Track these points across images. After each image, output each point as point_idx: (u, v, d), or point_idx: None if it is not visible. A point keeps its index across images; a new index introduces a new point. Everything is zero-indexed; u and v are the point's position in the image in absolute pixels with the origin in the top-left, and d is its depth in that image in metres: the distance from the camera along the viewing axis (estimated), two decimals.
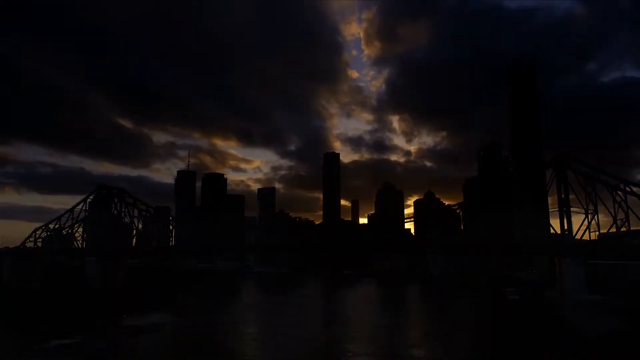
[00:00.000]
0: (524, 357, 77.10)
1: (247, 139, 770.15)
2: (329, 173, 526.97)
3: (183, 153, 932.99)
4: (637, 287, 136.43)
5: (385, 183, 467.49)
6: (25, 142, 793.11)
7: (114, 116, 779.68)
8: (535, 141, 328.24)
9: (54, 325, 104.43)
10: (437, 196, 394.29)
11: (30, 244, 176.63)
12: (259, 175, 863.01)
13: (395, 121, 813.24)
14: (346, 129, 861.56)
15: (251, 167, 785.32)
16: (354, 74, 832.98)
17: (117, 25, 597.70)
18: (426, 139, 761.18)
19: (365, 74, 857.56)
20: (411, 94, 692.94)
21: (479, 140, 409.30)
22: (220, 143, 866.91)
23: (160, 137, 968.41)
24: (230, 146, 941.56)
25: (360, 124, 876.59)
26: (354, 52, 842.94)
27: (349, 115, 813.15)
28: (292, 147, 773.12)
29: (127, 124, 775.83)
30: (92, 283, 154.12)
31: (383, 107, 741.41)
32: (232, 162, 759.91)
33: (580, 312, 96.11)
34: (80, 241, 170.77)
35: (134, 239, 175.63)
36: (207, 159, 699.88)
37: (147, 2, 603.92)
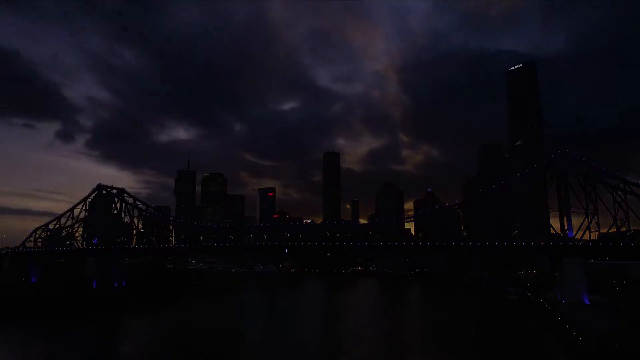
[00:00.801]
0: (524, 357, 77.11)
1: (281, 156, 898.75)
2: (329, 172, 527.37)
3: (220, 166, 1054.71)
4: (637, 287, 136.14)
5: (386, 183, 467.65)
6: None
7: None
8: (535, 141, 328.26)
9: (53, 323, 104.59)
10: (437, 196, 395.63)
11: (30, 244, 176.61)
12: (277, 184, 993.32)
13: (405, 137, 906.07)
14: (367, 143, 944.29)
15: (282, 175, 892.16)
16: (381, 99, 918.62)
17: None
18: (430, 150, 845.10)
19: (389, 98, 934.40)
20: (418, 117, 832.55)
21: (479, 142, 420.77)
22: (257, 159, 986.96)
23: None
24: (265, 162, 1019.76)
25: (377, 139, 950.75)
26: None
27: (369, 132, 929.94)
28: (314, 159, 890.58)
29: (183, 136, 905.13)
30: (92, 283, 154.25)
31: (397, 126, 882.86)
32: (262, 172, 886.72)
33: (580, 312, 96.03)
34: (80, 241, 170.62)
35: (134, 239, 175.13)
36: (246, 174, 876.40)
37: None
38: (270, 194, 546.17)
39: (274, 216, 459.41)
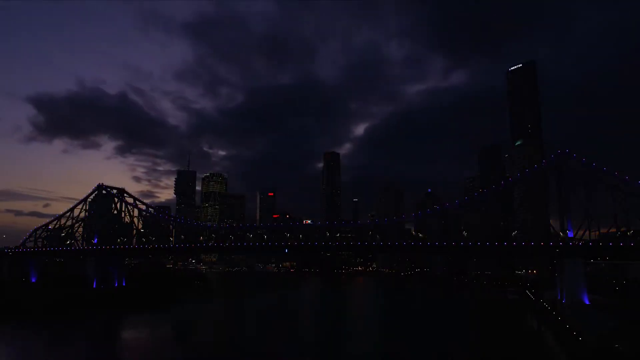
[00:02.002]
0: (524, 357, 77.10)
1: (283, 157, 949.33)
2: (329, 172, 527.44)
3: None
4: (637, 287, 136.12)
5: (386, 183, 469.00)
6: None
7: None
8: (535, 141, 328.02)
9: (53, 323, 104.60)
10: (437, 196, 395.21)
11: (30, 244, 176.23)
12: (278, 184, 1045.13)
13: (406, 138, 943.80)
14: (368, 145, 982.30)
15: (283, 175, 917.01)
16: None
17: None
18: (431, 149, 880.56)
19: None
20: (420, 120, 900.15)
21: (479, 142, 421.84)
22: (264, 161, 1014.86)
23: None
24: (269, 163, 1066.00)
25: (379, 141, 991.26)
26: None
27: (372, 136, 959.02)
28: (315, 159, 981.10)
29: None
30: (92, 283, 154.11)
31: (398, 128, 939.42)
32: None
33: (580, 312, 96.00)
34: (80, 241, 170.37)
35: (134, 239, 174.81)
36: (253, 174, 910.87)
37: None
38: (270, 194, 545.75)
39: (274, 216, 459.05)
